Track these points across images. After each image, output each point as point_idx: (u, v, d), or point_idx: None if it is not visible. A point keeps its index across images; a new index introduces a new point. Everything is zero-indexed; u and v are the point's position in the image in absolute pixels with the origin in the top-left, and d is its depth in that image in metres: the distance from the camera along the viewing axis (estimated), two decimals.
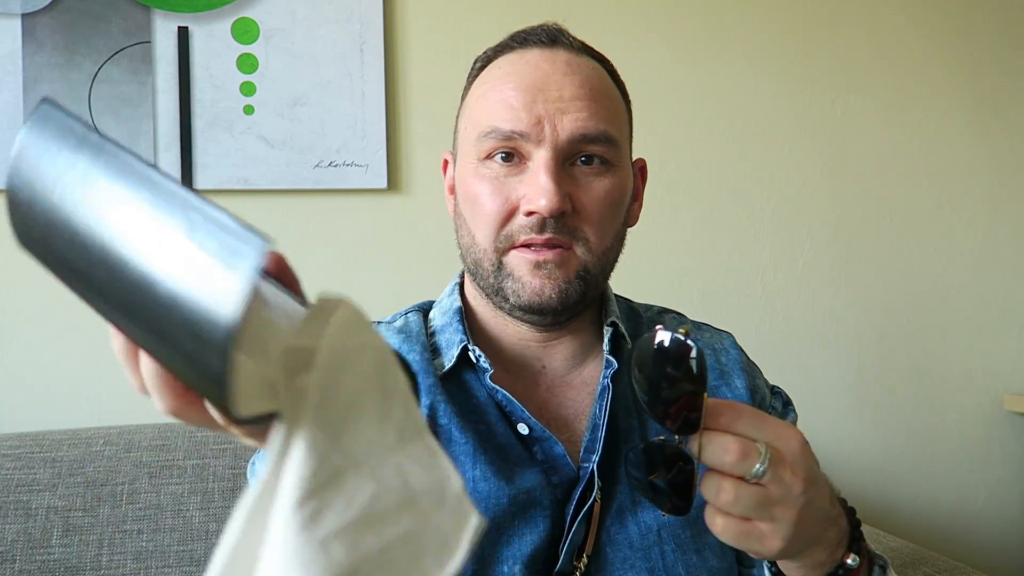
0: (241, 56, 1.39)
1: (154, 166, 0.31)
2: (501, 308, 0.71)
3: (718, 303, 1.56)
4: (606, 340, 0.73)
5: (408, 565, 0.32)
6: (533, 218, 0.66)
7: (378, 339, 0.36)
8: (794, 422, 0.76)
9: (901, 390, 1.64)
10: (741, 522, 0.49)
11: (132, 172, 0.31)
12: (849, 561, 0.55)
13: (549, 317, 0.69)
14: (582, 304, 0.70)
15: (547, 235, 0.66)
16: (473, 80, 0.74)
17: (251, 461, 0.85)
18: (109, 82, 1.34)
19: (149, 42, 1.36)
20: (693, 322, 0.82)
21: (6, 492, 1.10)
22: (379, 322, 0.80)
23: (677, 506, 0.51)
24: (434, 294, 0.83)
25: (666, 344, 0.47)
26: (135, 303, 0.31)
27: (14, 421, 1.31)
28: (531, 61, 0.69)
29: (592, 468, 0.67)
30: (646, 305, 0.84)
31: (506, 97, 0.67)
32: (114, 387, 1.36)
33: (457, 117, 0.76)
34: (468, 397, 0.71)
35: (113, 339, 0.37)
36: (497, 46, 0.73)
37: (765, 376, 0.81)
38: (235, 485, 1.16)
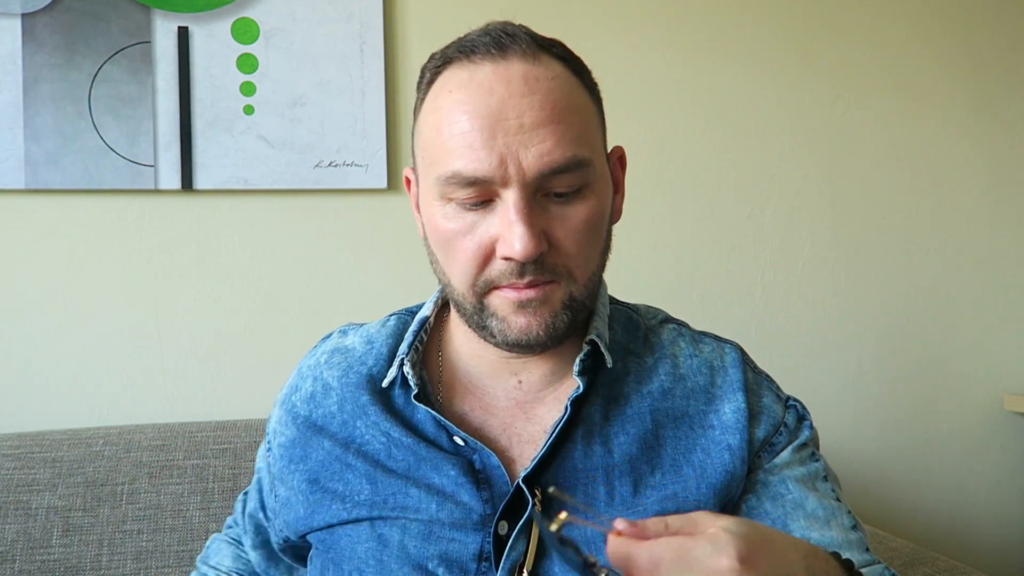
0: (241, 56, 1.39)
1: None
2: (487, 341, 0.68)
3: (718, 303, 1.56)
4: (577, 360, 0.69)
5: None
6: (511, 264, 0.63)
7: None
8: (810, 438, 0.73)
9: (901, 390, 1.64)
10: None
11: None
12: None
13: (537, 350, 0.67)
14: (571, 331, 0.67)
15: (528, 278, 0.63)
16: (424, 95, 0.68)
17: (245, 491, 0.86)
18: (109, 82, 1.34)
19: (149, 42, 1.36)
20: (696, 333, 0.78)
21: (6, 492, 1.10)
22: (361, 325, 0.80)
23: None
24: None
25: None
26: None
27: (14, 421, 1.31)
28: (484, 83, 0.62)
29: (518, 483, 0.65)
30: (653, 312, 0.80)
31: (464, 133, 0.62)
32: (114, 387, 1.36)
33: (412, 133, 0.71)
34: (411, 411, 0.71)
35: None
36: (443, 54, 0.66)
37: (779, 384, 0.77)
38: (235, 485, 1.16)
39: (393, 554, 0.66)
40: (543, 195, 0.63)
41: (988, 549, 1.65)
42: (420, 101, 0.69)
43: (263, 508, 0.81)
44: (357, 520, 0.68)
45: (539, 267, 0.63)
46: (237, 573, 0.85)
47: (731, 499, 0.68)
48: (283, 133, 1.40)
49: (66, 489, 1.11)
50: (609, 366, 0.70)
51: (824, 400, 1.60)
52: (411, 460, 0.69)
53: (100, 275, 1.36)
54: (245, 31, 1.39)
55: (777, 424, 0.72)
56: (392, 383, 0.72)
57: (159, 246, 1.38)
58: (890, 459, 1.63)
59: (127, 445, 1.17)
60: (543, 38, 0.65)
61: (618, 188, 0.72)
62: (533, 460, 0.66)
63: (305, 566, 0.79)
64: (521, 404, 0.71)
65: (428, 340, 0.76)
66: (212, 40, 1.38)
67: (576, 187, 0.64)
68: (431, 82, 0.67)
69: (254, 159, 1.39)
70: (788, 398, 0.76)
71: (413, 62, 1.45)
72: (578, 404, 0.68)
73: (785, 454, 0.71)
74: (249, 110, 1.39)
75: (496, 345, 0.67)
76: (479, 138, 0.61)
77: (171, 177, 1.36)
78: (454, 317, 0.74)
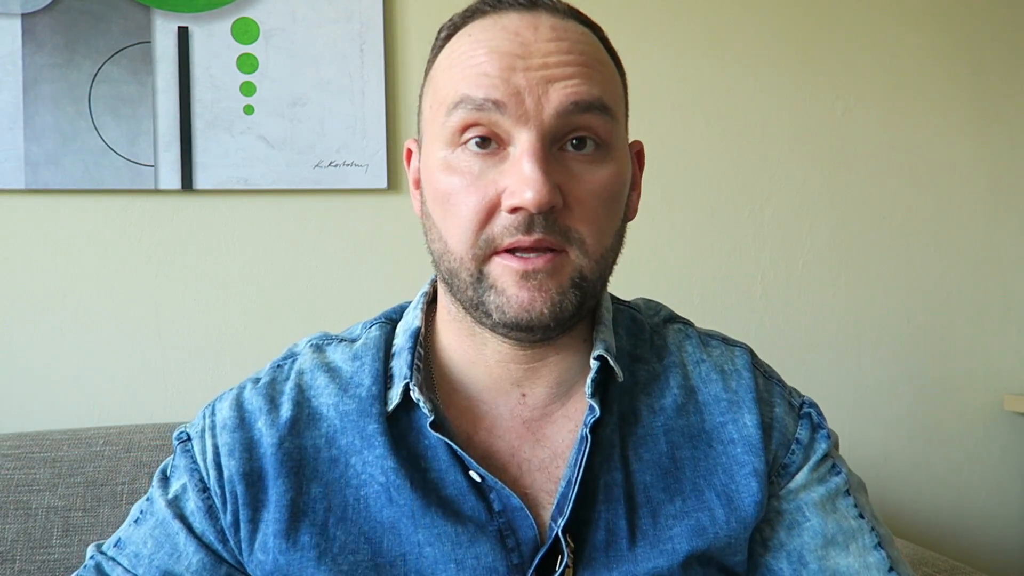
0: (241, 56, 1.39)
1: None
2: (482, 324, 0.60)
3: (718, 303, 1.56)
4: (589, 380, 0.61)
5: None
6: (518, 216, 0.55)
7: None
8: (828, 451, 0.67)
9: (901, 390, 1.64)
10: None
11: None
12: None
13: (539, 333, 0.58)
14: (578, 316, 0.59)
15: (536, 235, 0.55)
16: (438, 52, 0.62)
17: (112, 543, 0.64)
18: (109, 82, 1.34)
19: (149, 42, 1.36)
20: (703, 333, 0.72)
21: (6, 492, 1.10)
22: (339, 339, 0.69)
23: None
24: None
25: None
26: None
27: (14, 421, 1.31)
28: (508, 27, 0.57)
29: (557, 532, 0.58)
30: (654, 308, 0.74)
31: (478, 63, 0.56)
32: (114, 387, 1.36)
33: (420, 97, 0.65)
34: (420, 436, 0.61)
35: None
36: (466, 11, 0.61)
37: (792, 387, 0.71)
38: None
39: None
40: (560, 149, 0.57)
41: (988, 549, 1.65)
42: (433, 58, 0.63)
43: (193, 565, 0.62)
44: None
45: (549, 225, 0.55)
46: None
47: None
48: (283, 133, 1.40)
49: (66, 489, 1.11)
50: (620, 380, 0.63)
51: (824, 400, 1.59)
52: (419, 506, 0.59)
53: (100, 275, 1.36)
54: (245, 31, 1.39)
55: (789, 441, 0.66)
56: (395, 410, 0.62)
57: (159, 246, 1.38)
58: (890, 459, 1.63)
59: (127, 445, 1.17)
60: (575, 9, 0.61)
61: (635, 184, 0.65)
62: (565, 512, 0.58)
63: None
64: (528, 423, 0.63)
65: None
66: (212, 40, 1.38)
67: (598, 141, 0.57)
68: (450, 36, 0.62)
69: (254, 159, 1.39)
70: (801, 403, 0.69)
71: (413, 62, 1.45)
72: (594, 428, 0.61)
73: (801, 476, 0.65)
74: (249, 110, 1.39)
75: (492, 328, 0.59)
76: (496, 67, 0.55)
77: (171, 177, 1.36)
78: (444, 319, 0.65)
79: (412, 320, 0.67)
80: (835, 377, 1.61)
